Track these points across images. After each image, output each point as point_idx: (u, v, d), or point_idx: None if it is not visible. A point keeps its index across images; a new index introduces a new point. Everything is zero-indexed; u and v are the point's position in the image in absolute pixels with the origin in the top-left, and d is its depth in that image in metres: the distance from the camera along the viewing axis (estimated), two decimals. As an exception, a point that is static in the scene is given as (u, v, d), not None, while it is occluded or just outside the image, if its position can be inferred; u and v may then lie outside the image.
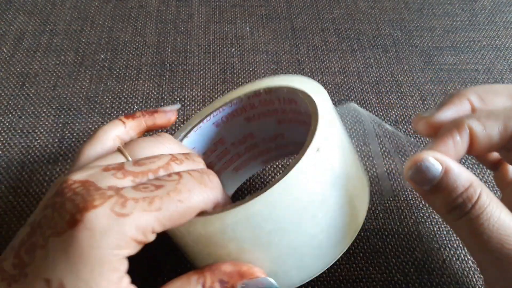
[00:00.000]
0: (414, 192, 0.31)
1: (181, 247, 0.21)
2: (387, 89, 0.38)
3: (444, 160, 0.19)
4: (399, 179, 0.32)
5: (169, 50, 0.40)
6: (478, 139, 0.20)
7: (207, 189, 0.18)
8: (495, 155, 0.26)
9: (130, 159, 0.19)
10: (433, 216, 0.30)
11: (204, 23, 0.42)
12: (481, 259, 0.19)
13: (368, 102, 0.37)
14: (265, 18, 0.43)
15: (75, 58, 0.38)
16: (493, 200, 0.19)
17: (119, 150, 0.20)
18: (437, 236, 0.29)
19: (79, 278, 0.15)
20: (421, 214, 0.30)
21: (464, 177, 0.19)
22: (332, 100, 0.36)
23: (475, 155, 0.21)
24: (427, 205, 0.30)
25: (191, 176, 0.18)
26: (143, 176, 0.18)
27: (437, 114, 0.21)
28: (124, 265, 0.16)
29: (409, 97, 0.37)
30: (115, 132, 0.22)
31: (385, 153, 0.33)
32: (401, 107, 0.37)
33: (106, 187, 0.17)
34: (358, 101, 0.37)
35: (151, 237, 0.17)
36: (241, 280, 0.18)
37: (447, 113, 0.21)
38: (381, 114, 0.36)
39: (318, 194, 0.19)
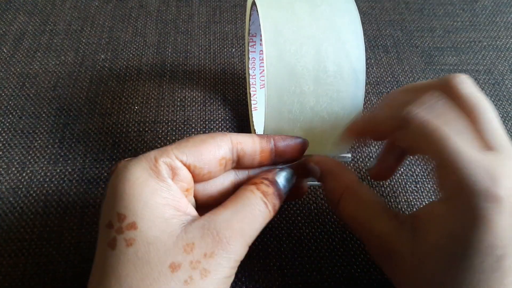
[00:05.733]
0: (415, 193, 0.31)
1: None
2: (388, 89, 0.38)
3: (322, 164, 0.24)
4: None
5: (170, 50, 0.40)
6: None
7: None
8: None
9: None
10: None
11: (205, 23, 0.42)
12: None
13: (369, 102, 0.37)
14: (266, 18, 0.43)
15: (75, 58, 0.38)
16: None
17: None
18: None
19: None
20: (421, 215, 0.30)
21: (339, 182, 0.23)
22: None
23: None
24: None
25: None
26: None
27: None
28: None
29: (410, 98, 0.37)
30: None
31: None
32: (402, 108, 0.37)
33: None
34: (358, 102, 0.37)
35: None
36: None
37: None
38: (382, 114, 0.36)
39: None
